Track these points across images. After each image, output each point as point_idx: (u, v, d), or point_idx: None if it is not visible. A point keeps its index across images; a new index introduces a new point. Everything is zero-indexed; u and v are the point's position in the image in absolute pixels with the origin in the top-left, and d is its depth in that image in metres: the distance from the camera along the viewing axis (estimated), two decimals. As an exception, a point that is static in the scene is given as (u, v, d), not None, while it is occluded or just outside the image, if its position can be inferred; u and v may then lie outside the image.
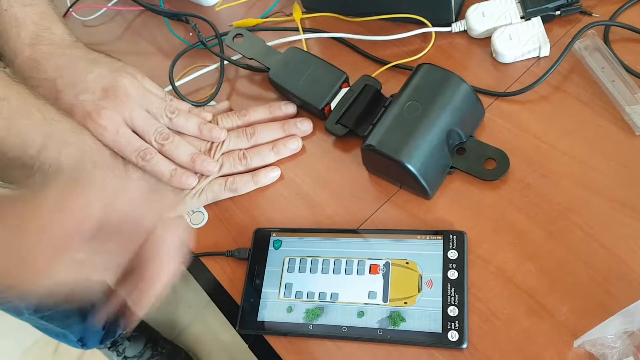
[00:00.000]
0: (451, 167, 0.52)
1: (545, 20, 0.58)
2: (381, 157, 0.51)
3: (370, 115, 0.55)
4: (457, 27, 0.61)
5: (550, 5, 0.57)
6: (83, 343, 1.17)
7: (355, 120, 0.56)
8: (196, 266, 0.56)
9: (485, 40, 0.60)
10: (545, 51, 0.57)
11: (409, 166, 0.49)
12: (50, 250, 0.35)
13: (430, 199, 0.52)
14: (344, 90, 0.58)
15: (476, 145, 0.53)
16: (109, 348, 1.25)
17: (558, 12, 0.58)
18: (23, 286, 0.35)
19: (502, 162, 0.52)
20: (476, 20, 0.59)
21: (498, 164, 0.52)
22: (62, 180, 0.37)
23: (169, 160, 0.57)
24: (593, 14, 0.58)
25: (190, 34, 0.71)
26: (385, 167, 0.52)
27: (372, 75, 0.58)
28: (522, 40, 0.57)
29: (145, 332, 1.28)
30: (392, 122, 0.51)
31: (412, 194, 0.53)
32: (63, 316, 1.07)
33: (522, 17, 0.58)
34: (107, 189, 0.37)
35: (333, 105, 0.58)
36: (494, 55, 0.58)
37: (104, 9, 0.78)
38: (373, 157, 0.52)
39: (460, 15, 0.62)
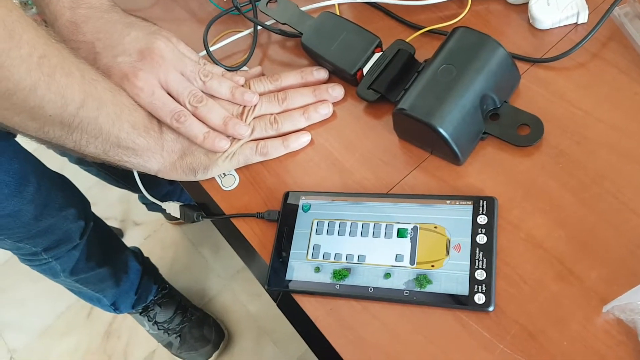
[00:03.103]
0: (484, 133, 0.52)
1: (585, -14, 0.56)
2: (413, 122, 0.50)
3: (403, 81, 0.55)
4: (493, -8, 0.60)
5: (590, -29, 0.56)
6: (116, 307, 1.21)
7: (388, 85, 0.56)
8: (227, 227, 0.57)
9: (522, 6, 0.59)
10: (584, 17, 0.55)
11: (441, 130, 0.49)
12: None
13: (461, 165, 0.52)
14: (376, 55, 0.58)
15: (510, 111, 0.52)
16: (140, 313, 1.28)
17: (599, -22, 0.57)
18: None
19: (536, 128, 0.51)
20: (513, -15, 0.58)
21: (532, 130, 0.51)
22: None
23: (202, 123, 0.58)
24: (635, -20, 0.56)
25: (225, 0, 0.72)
26: (417, 132, 0.52)
27: (406, 41, 0.58)
28: (560, 6, 0.55)
29: (176, 299, 1.31)
30: (425, 86, 0.51)
31: (443, 159, 0.53)
32: (97, 280, 1.10)
33: (560, -17, 0.57)
34: None
35: (365, 70, 0.58)
36: (530, 21, 0.57)
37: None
38: (405, 121, 0.52)
39: (497, -19, 0.61)
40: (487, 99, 0.51)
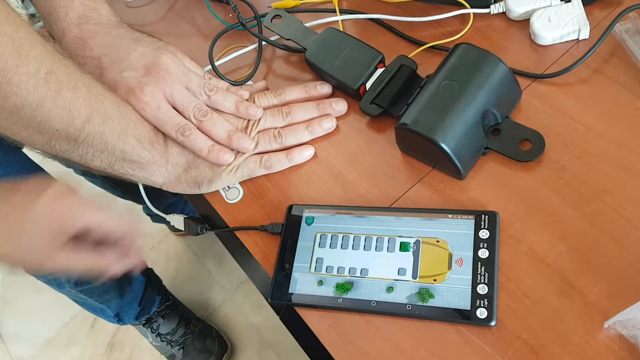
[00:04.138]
0: (486, 148, 0.52)
1: (586, 3, 0.57)
2: (415, 136, 0.51)
3: (406, 96, 0.56)
4: (495, 8, 0.60)
5: (591, -13, 0.57)
6: (119, 318, 1.21)
7: (390, 100, 0.57)
8: (231, 240, 0.57)
9: (524, 22, 0.59)
10: (585, 34, 0.56)
11: (443, 145, 0.49)
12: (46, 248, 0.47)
13: (463, 180, 0.52)
14: (379, 71, 0.58)
15: (512, 126, 0.53)
16: (144, 324, 1.28)
17: (599, -6, 0.57)
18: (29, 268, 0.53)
19: (538, 143, 0.51)
20: (515, 2, 0.59)
21: (533, 145, 0.51)
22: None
23: (207, 136, 0.58)
24: (636, -3, 0.57)
25: (230, 15, 0.73)
26: (419, 147, 0.53)
27: (409, 57, 0.59)
28: (562, 23, 0.56)
29: (179, 311, 1.31)
30: (427, 101, 0.52)
31: (445, 174, 0.53)
32: (102, 291, 1.11)
33: (561, 0, 0.58)
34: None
35: (368, 85, 0.58)
36: (532, 37, 0.58)
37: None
38: (407, 136, 0.52)
39: (499, -3, 0.62)
40: (488, 114, 0.52)
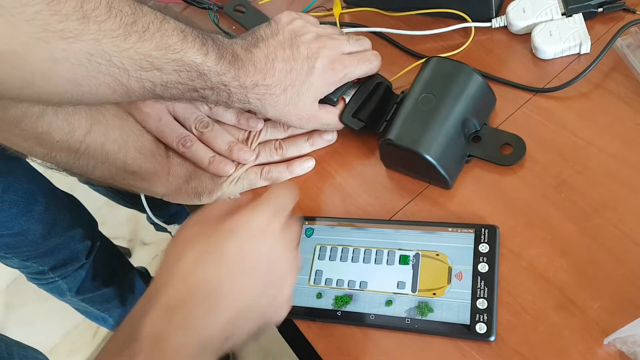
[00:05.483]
0: (469, 156, 0.53)
1: (587, 17, 0.57)
2: (400, 151, 0.51)
3: (383, 112, 0.56)
4: (497, 22, 0.60)
5: (592, 2, 0.57)
6: (121, 327, 1.21)
7: (369, 116, 0.56)
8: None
9: (525, 37, 0.59)
10: (586, 48, 0.56)
11: (428, 157, 0.50)
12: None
13: (450, 189, 0.53)
14: (356, 85, 0.58)
15: (491, 132, 0.54)
16: (146, 334, 1.28)
17: (600, 9, 0.57)
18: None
19: (519, 146, 0.52)
20: (516, 16, 0.59)
21: (515, 149, 0.52)
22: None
23: (208, 147, 0.58)
24: (637, 12, 0.57)
25: (234, 27, 0.73)
26: (404, 161, 0.53)
27: (409, 68, 0.59)
28: (563, 37, 0.56)
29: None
30: (408, 116, 0.52)
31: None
32: (103, 299, 1.11)
33: (563, 14, 0.58)
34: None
35: (347, 98, 0.57)
36: (533, 51, 0.58)
37: (151, 2, 0.80)
38: (392, 151, 0.53)
39: (500, 10, 0.62)
40: (468, 122, 0.52)
